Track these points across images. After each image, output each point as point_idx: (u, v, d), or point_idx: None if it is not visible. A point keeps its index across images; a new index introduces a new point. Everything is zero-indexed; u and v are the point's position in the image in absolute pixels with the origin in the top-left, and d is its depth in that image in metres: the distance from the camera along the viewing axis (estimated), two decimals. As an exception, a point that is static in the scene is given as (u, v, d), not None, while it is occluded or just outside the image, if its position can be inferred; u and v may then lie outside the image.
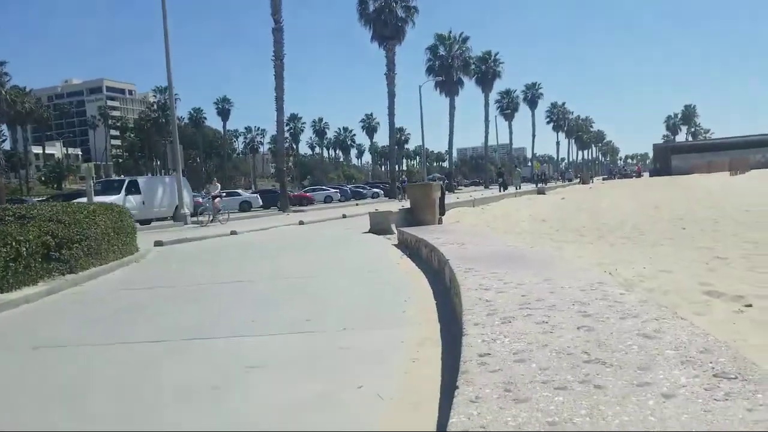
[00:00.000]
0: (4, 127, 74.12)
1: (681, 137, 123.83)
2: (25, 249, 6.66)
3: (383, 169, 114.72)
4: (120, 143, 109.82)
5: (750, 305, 5.07)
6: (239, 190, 45.92)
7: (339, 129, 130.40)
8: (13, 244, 6.49)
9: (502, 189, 43.68)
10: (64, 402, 3.27)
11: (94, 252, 8.28)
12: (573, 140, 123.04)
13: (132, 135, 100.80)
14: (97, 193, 19.05)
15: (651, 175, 78.97)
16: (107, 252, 8.75)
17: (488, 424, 1.73)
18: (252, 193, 44.01)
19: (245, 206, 35.71)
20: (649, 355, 2.29)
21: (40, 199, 35.27)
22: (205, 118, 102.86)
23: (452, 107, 58.96)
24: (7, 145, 75.86)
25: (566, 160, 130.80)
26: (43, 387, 3.59)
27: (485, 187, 61.97)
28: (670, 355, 2.27)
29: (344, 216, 22.06)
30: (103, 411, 3.08)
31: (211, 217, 20.14)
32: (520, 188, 46.30)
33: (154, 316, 5.54)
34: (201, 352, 4.10)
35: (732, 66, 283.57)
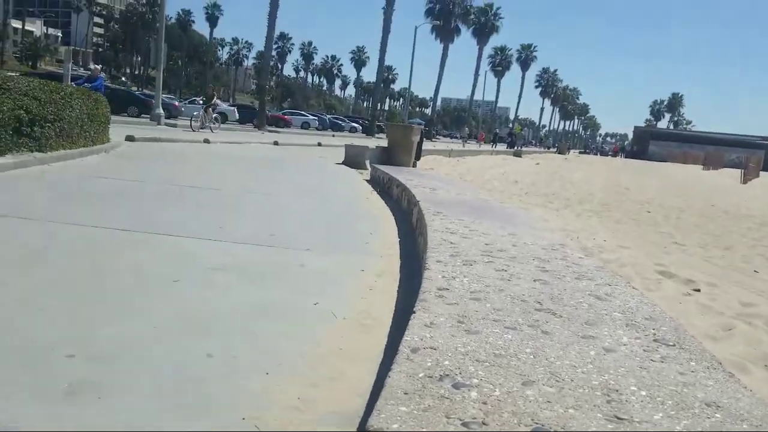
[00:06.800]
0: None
1: (663, 124, 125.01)
2: (-5, 119, 6.45)
3: (365, 104, 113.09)
4: (103, 32, 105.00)
5: (699, 290, 5.29)
6: (216, 100, 44.71)
7: (327, 56, 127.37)
8: (-17, 112, 6.27)
9: (509, 147, 50.30)
10: (21, 268, 3.26)
11: (66, 135, 8.07)
12: (557, 109, 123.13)
13: (116, 26, 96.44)
14: None
15: (627, 157, 79.99)
16: (78, 137, 8.54)
17: (439, 346, 1.81)
18: (230, 105, 42.86)
19: (221, 118, 34.85)
20: (598, 314, 2.39)
21: (12, 74, 33.56)
22: (193, 22, 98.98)
23: (444, 54, 58.23)
24: (-15, 16, 71.72)
25: (547, 128, 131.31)
26: (5, 252, 3.57)
27: (463, 143, 62.26)
28: (617, 316, 2.38)
29: (320, 144, 21.87)
30: (57, 283, 3.08)
31: (201, 124, 20.32)
32: (519, 147, 52.11)
33: (118, 205, 5.47)
34: (166, 247, 4.10)
35: (724, 63, 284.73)
